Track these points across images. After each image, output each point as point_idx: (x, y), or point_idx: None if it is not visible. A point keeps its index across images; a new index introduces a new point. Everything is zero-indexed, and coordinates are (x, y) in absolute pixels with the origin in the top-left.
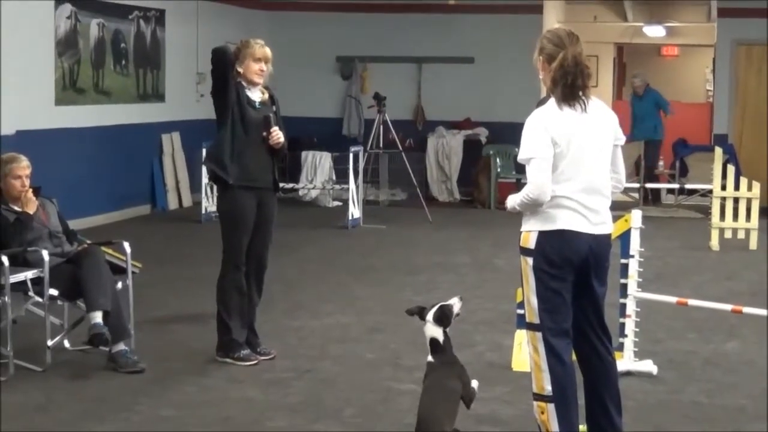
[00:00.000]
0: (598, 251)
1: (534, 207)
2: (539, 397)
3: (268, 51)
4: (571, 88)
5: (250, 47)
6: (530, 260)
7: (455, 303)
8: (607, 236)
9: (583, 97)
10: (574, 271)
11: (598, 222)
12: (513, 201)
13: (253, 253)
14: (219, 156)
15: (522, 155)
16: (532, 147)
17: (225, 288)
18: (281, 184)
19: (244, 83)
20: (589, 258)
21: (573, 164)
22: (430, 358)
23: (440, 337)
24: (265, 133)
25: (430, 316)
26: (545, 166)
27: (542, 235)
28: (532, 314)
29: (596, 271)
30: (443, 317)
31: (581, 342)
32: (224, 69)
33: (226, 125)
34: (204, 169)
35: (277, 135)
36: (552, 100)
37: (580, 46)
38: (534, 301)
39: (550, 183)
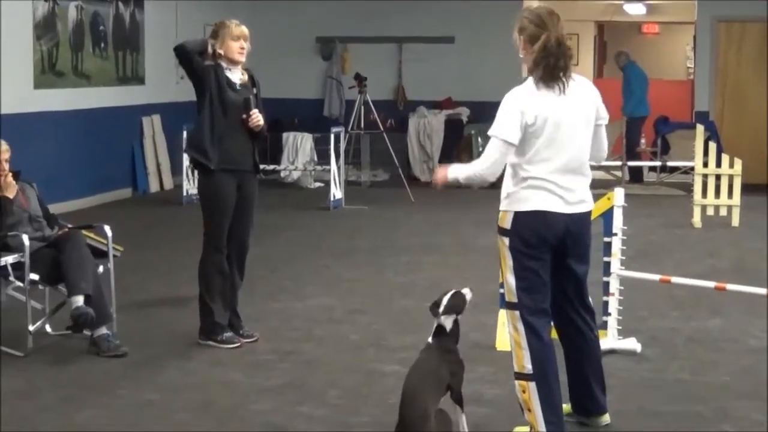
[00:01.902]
0: (575, 230)
1: (478, 182)
2: (520, 375)
3: (244, 29)
4: (553, 69)
5: (227, 27)
6: (507, 240)
7: (467, 292)
8: (586, 215)
9: (564, 78)
10: (552, 251)
11: (575, 201)
12: (458, 173)
13: (235, 236)
14: (199, 141)
15: (490, 131)
16: (500, 126)
17: (206, 271)
18: (262, 166)
19: (224, 64)
20: (566, 237)
21: (549, 145)
22: (430, 339)
23: (449, 325)
24: (244, 116)
25: (444, 302)
26: (505, 150)
27: (518, 215)
28: (511, 293)
29: (575, 249)
30: (455, 305)
31: (563, 321)
32: (189, 63)
33: (205, 108)
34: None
35: (257, 118)
36: (530, 80)
37: (561, 27)
38: (511, 280)
39: (502, 166)
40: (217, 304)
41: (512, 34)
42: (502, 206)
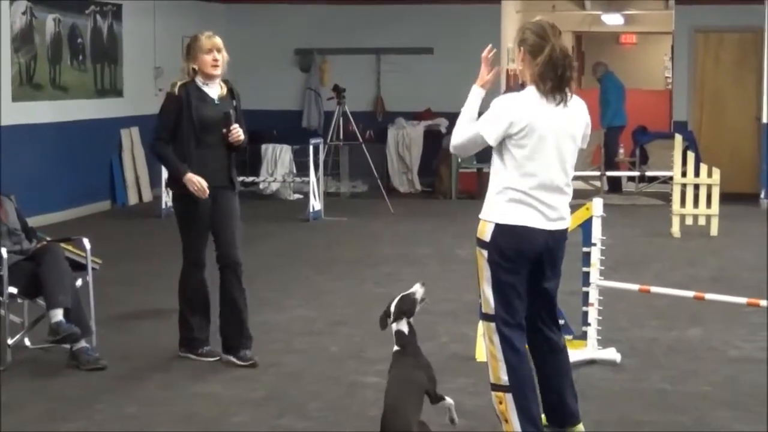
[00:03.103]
0: (553, 246)
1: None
2: (496, 387)
3: (216, 40)
4: (560, 80)
5: (198, 41)
6: (485, 252)
7: (417, 290)
8: (564, 231)
9: (567, 91)
10: (529, 265)
11: (555, 218)
12: (464, 113)
13: (222, 252)
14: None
15: (478, 123)
16: (485, 125)
17: (184, 286)
18: (241, 179)
19: (201, 79)
20: (543, 253)
21: (536, 160)
22: (395, 348)
23: (405, 329)
24: (224, 130)
25: (392, 310)
26: (479, 142)
27: (498, 228)
28: (487, 305)
29: (550, 264)
30: (405, 309)
31: (532, 332)
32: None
33: (179, 129)
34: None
35: (236, 133)
36: (531, 89)
37: (562, 39)
38: (488, 292)
39: (471, 152)
40: (196, 318)
41: (512, 44)
42: (483, 215)
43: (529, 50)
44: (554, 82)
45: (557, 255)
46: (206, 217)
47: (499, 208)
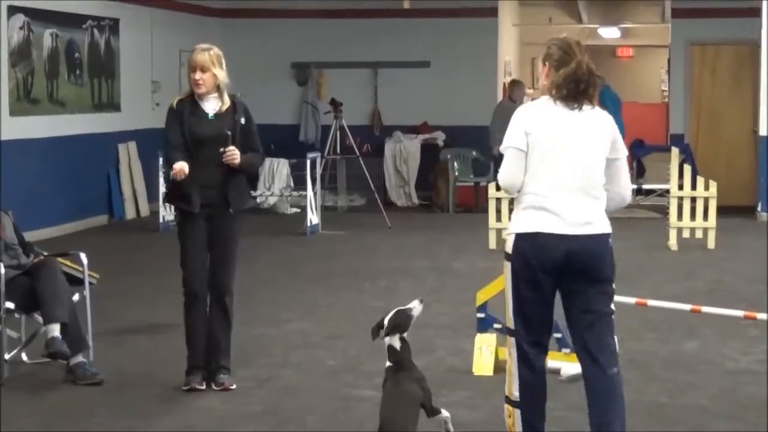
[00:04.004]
0: (580, 253)
1: (507, 193)
2: (508, 400)
3: (201, 57)
4: (581, 93)
5: (189, 57)
6: (509, 265)
7: (415, 306)
8: (594, 237)
9: (586, 102)
10: (551, 277)
11: (578, 222)
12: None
13: (210, 277)
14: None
15: (504, 146)
16: (506, 138)
17: (184, 310)
18: (251, 199)
19: (197, 96)
20: (569, 262)
21: (546, 162)
22: (388, 363)
23: (397, 344)
24: (221, 150)
25: (385, 323)
26: (516, 155)
27: (518, 238)
28: (509, 319)
29: (582, 276)
30: (398, 323)
31: (578, 352)
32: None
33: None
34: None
35: (231, 155)
36: (544, 98)
37: (588, 56)
38: (510, 306)
39: (519, 174)
40: (189, 344)
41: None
42: (509, 228)
43: (555, 65)
44: (571, 92)
45: (589, 265)
46: (201, 237)
47: (517, 218)
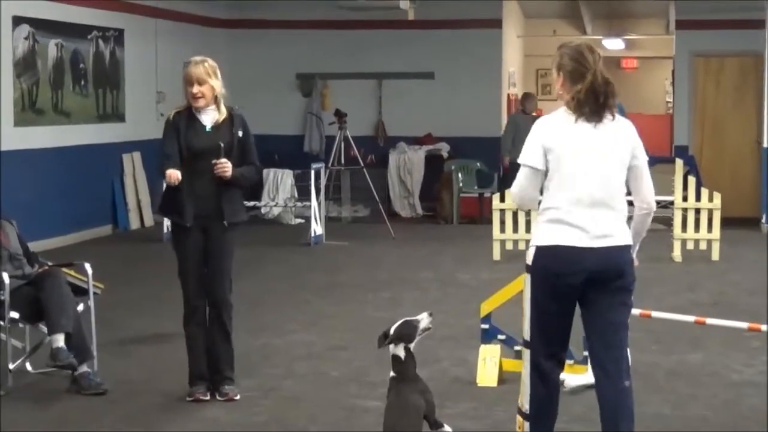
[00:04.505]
0: (602, 267)
1: (520, 209)
2: (520, 412)
3: (196, 70)
4: (603, 107)
5: (184, 70)
6: (529, 277)
7: (423, 318)
8: (616, 250)
9: (607, 115)
10: (574, 291)
11: (599, 234)
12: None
13: (207, 289)
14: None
15: (521, 162)
16: (524, 153)
17: (184, 322)
18: (244, 214)
19: (194, 108)
20: (592, 274)
21: (570, 176)
22: (392, 373)
23: (401, 354)
24: (213, 161)
25: (391, 333)
26: (530, 175)
27: (539, 251)
28: (526, 331)
29: (603, 289)
30: (404, 334)
31: (594, 363)
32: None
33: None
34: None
35: (222, 168)
36: (563, 109)
37: (601, 62)
38: (528, 319)
39: (531, 191)
40: (190, 356)
41: (551, 70)
42: (531, 240)
43: (568, 76)
44: (593, 107)
45: (613, 277)
46: (197, 252)
47: (539, 230)
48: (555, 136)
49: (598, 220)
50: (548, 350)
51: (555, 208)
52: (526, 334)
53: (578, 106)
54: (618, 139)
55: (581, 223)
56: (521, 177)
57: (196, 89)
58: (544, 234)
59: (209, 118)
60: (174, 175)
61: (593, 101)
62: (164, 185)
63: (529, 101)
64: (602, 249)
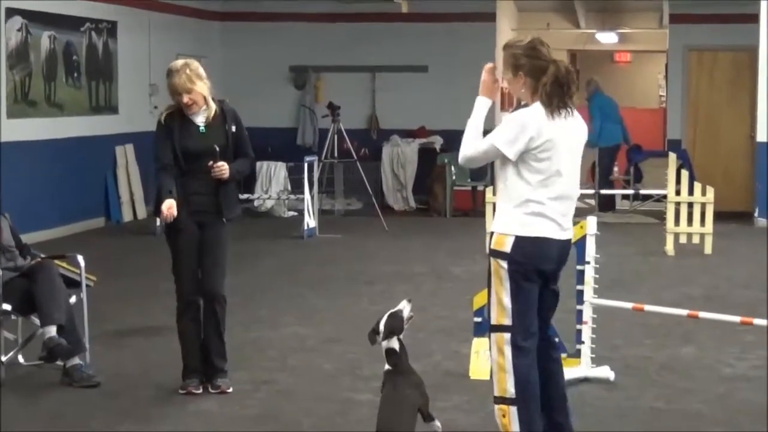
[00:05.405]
0: (563, 256)
1: (462, 164)
2: (501, 399)
3: (179, 81)
4: (568, 96)
5: (168, 80)
6: (505, 264)
7: (405, 307)
8: (570, 241)
9: (570, 104)
10: (544, 276)
11: (567, 228)
12: (472, 120)
13: (203, 284)
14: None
15: (493, 137)
16: (504, 140)
17: (177, 317)
18: (237, 210)
19: (185, 110)
20: (559, 261)
21: (555, 172)
22: (387, 366)
23: (396, 346)
24: (210, 163)
25: (381, 328)
26: (495, 156)
27: (519, 240)
28: (503, 316)
29: (556, 274)
30: (395, 326)
31: (542, 337)
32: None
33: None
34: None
35: (220, 170)
36: (539, 105)
37: (554, 53)
38: (507, 302)
39: (481, 163)
40: (183, 350)
41: (504, 74)
42: (501, 229)
43: (529, 73)
44: (561, 98)
45: (562, 265)
46: (192, 247)
47: (519, 221)
48: (542, 131)
49: (566, 214)
50: (530, 329)
51: (537, 202)
52: (502, 319)
53: (548, 99)
54: (581, 136)
55: (558, 217)
56: (483, 148)
57: (186, 99)
58: (525, 225)
59: (201, 117)
60: (170, 213)
61: (560, 92)
62: (157, 187)
63: None
64: (566, 241)
